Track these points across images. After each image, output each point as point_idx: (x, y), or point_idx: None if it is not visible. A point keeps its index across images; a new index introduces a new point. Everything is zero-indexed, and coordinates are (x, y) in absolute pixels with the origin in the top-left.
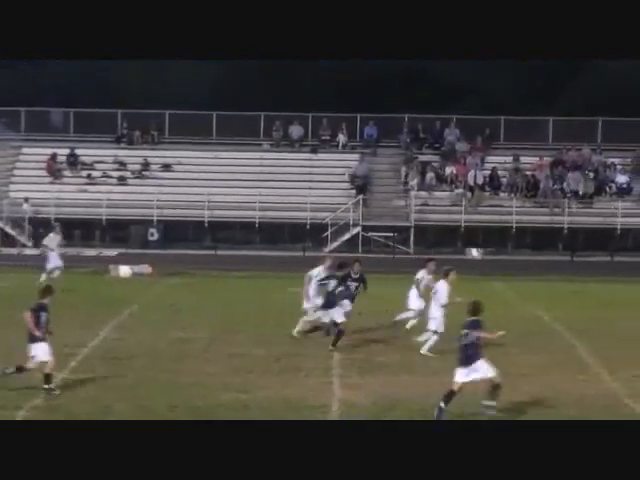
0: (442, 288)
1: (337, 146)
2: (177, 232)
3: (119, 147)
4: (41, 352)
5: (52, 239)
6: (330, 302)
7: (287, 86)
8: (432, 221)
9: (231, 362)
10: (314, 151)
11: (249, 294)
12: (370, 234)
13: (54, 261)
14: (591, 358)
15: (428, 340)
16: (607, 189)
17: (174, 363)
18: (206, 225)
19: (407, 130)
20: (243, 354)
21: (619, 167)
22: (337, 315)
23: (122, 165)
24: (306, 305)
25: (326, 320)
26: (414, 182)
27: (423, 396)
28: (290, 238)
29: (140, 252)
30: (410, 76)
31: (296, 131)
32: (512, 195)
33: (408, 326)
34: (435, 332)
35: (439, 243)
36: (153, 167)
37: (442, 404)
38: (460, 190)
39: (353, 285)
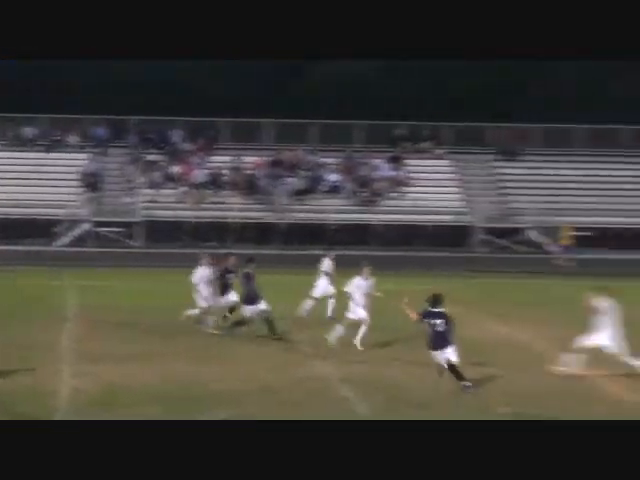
0: (357, 282)
1: (68, 146)
2: None
3: None
4: None
5: None
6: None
7: (24, 87)
8: (160, 217)
9: None
10: (47, 151)
11: None
12: (100, 229)
13: None
14: (302, 345)
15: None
16: (319, 187)
17: None
18: None
19: (135, 131)
20: None
21: (331, 167)
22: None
23: None
24: (204, 304)
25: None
26: (141, 180)
27: (149, 383)
28: (25, 234)
29: None
30: (136, 79)
31: (29, 131)
32: (233, 192)
33: (330, 312)
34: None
35: (168, 238)
36: None
37: (465, 384)
38: (185, 188)
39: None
